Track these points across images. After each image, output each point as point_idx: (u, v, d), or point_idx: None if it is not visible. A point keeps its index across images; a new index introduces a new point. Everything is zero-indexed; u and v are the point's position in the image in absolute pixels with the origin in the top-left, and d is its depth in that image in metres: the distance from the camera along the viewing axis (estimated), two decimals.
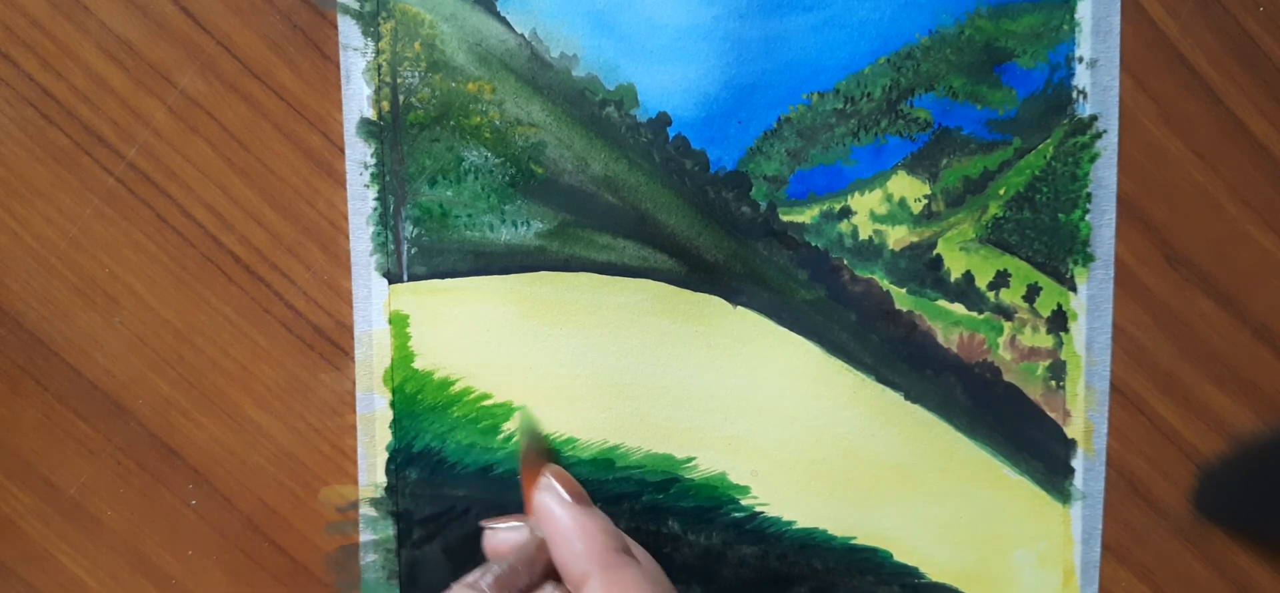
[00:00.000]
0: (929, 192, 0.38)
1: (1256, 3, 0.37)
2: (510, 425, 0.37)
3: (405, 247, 0.37)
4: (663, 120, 0.37)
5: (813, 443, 0.39)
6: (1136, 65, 0.37)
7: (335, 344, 0.37)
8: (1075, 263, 0.38)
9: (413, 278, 0.37)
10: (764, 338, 0.38)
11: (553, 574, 0.33)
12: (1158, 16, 0.37)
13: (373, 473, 0.38)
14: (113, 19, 0.35)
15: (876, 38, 0.36)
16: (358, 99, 0.36)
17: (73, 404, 0.37)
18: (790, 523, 0.39)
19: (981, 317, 0.38)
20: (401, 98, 0.36)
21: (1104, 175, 0.38)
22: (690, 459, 0.38)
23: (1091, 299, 0.38)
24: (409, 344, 0.37)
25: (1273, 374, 0.39)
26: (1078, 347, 0.38)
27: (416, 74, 0.36)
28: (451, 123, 0.36)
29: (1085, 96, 0.37)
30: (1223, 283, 0.39)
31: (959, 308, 0.38)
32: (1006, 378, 0.38)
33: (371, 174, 0.37)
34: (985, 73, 0.37)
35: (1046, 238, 0.38)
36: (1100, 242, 0.38)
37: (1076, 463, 0.39)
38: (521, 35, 0.36)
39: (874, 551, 0.39)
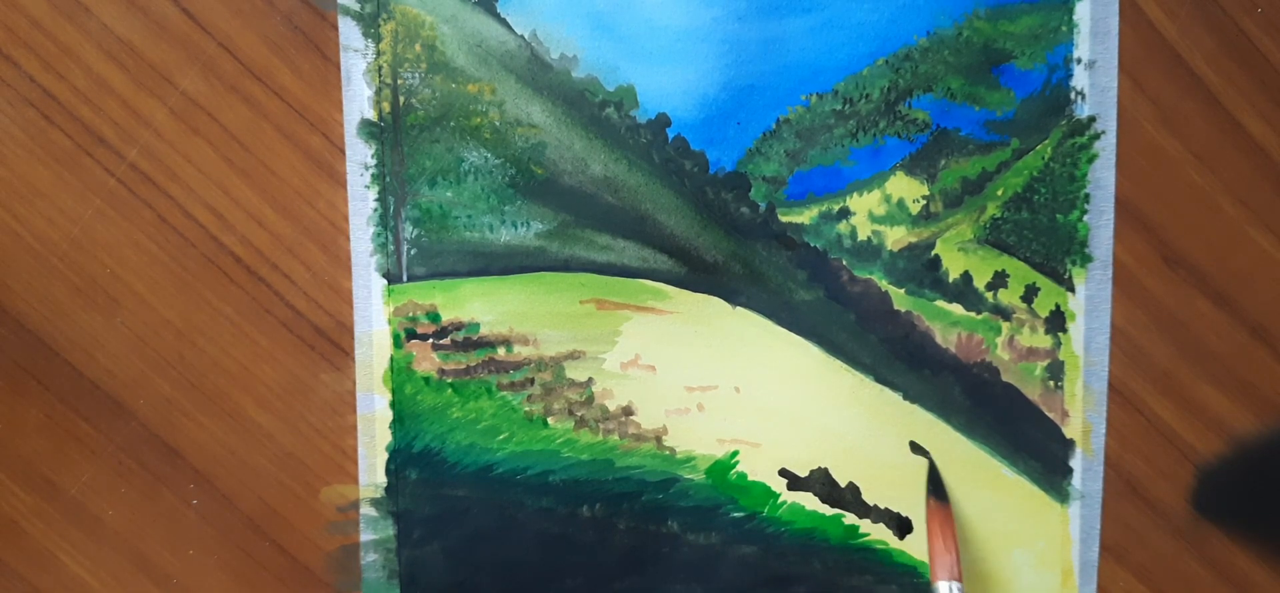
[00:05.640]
0: (927, 192, 0.38)
1: (1254, 4, 0.37)
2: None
3: (405, 247, 0.37)
4: (662, 121, 0.37)
5: (812, 443, 0.39)
6: (1134, 66, 0.37)
7: (336, 344, 0.38)
8: (1073, 263, 0.38)
9: (413, 278, 0.37)
10: (763, 338, 0.38)
11: None
12: (1156, 18, 0.37)
13: (373, 473, 0.38)
14: (114, 20, 0.36)
15: (875, 39, 0.36)
16: (358, 100, 0.36)
17: (74, 404, 0.37)
18: (790, 523, 0.39)
19: (980, 317, 0.38)
20: (402, 99, 0.36)
21: (1102, 176, 0.38)
22: (690, 459, 0.39)
23: (1089, 300, 0.38)
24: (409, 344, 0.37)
25: (1270, 374, 0.39)
26: (1076, 347, 0.38)
27: (417, 75, 0.36)
28: (452, 124, 0.36)
29: (1083, 97, 0.37)
30: (1221, 283, 0.39)
31: (957, 308, 0.38)
32: (1005, 378, 0.39)
33: (372, 175, 0.37)
34: (983, 74, 0.37)
35: (1044, 238, 0.38)
36: (1098, 242, 0.38)
37: (1075, 463, 0.39)
38: (521, 37, 0.36)
39: (874, 550, 0.39)
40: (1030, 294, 0.38)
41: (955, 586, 0.35)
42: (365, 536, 0.38)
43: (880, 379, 0.38)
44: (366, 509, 0.38)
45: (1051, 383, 0.39)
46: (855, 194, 0.38)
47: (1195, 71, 0.38)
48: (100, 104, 0.36)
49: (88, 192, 0.36)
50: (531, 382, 0.38)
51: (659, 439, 0.38)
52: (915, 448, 0.38)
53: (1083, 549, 0.39)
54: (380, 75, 0.36)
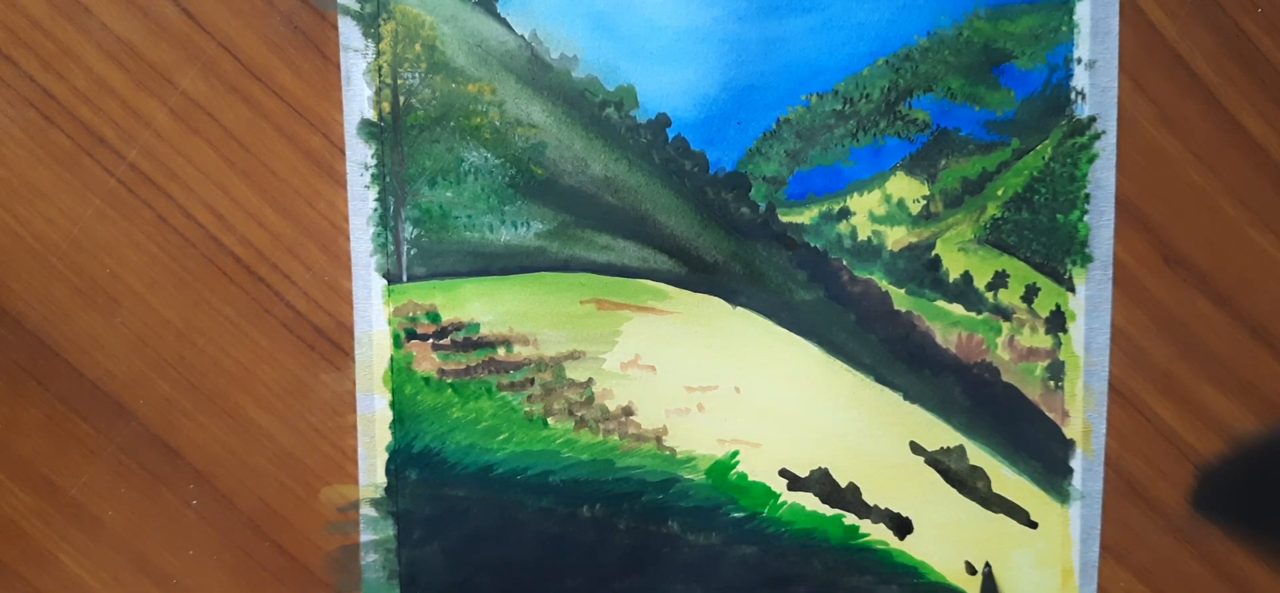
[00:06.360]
0: (927, 192, 0.38)
1: (1254, 4, 0.37)
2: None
3: (405, 247, 0.37)
4: (662, 121, 0.37)
5: (813, 443, 0.39)
6: (1135, 66, 0.37)
7: (336, 345, 0.38)
8: (1073, 263, 0.38)
9: (413, 278, 0.37)
10: (764, 338, 0.38)
11: None
12: (1156, 18, 0.37)
13: (373, 473, 0.38)
14: (114, 20, 0.36)
15: (875, 39, 0.36)
16: (358, 100, 0.36)
17: (74, 405, 0.37)
18: (790, 523, 0.39)
19: (980, 317, 0.38)
20: (402, 99, 0.36)
21: (1102, 176, 0.38)
22: (690, 459, 0.39)
23: (1090, 300, 0.38)
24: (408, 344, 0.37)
25: (1270, 374, 0.39)
26: (1076, 347, 0.38)
27: (417, 75, 0.36)
28: (452, 124, 0.36)
29: (1083, 97, 0.37)
30: (1221, 283, 0.39)
31: (958, 308, 0.38)
32: (1005, 378, 0.39)
33: (372, 175, 0.37)
34: (984, 74, 0.37)
35: (1045, 238, 0.38)
36: (1098, 242, 0.38)
37: (1075, 463, 0.39)
38: (522, 37, 0.36)
39: (874, 550, 0.39)
40: (1030, 294, 0.38)
41: None
42: (365, 536, 0.38)
43: (880, 379, 0.38)
44: (366, 509, 0.38)
45: (1052, 383, 0.39)
46: (855, 194, 0.38)
47: (1195, 71, 0.38)
48: (100, 104, 0.36)
49: (88, 192, 0.36)
50: (531, 382, 0.38)
51: (659, 439, 0.38)
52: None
53: (1083, 549, 0.39)
54: (380, 75, 0.36)
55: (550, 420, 0.38)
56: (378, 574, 0.38)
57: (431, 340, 0.38)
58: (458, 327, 0.38)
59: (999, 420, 0.39)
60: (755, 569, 0.39)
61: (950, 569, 0.39)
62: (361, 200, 0.37)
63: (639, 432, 0.38)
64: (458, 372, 0.38)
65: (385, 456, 0.38)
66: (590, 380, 0.38)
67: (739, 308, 0.38)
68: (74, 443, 0.37)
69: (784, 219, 0.38)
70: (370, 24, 0.36)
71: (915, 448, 0.39)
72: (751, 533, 0.39)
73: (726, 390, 0.38)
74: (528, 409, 0.38)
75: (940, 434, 0.39)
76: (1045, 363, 0.38)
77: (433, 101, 0.36)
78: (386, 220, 0.37)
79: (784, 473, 0.39)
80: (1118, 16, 0.37)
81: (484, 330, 0.38)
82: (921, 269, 0.38)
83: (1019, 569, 0.39)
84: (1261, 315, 0.39)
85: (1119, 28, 0.37)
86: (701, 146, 0.37)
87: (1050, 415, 0.39)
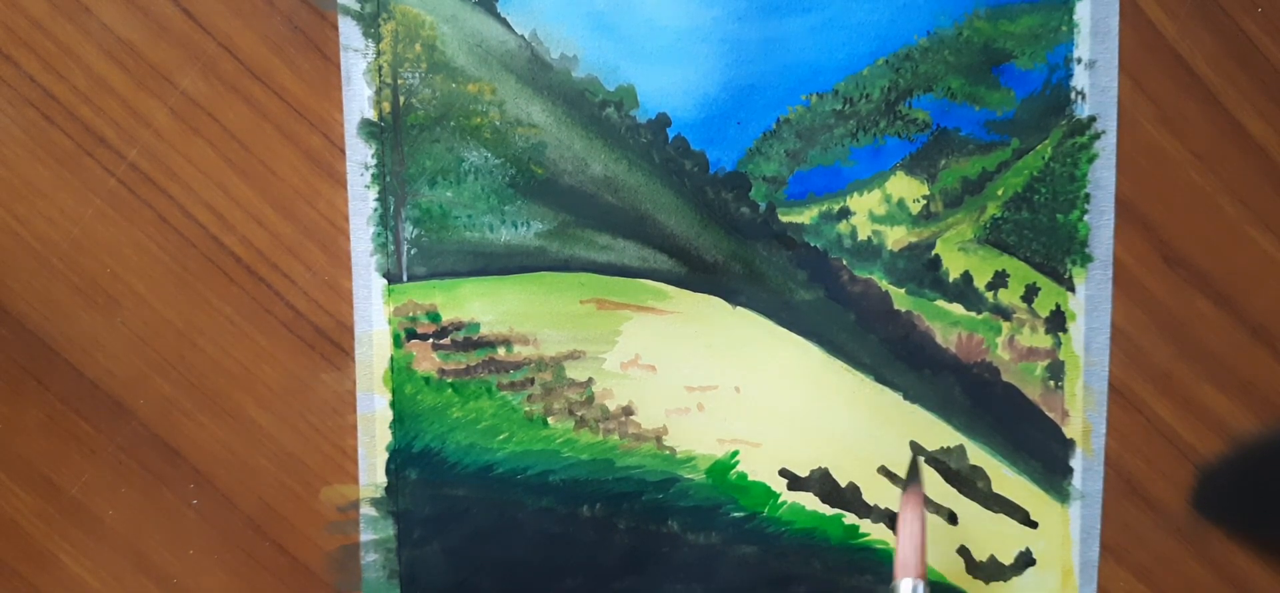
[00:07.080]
0: (927, 192, 0.38)
1: (1255, 4, 0.37)
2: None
3: (405, 247, 0.37)
4: (662, 121, 0.37)
5: (813, 443, 0.39)
6: (1135, 66, 0.37)
7: (336, 344, 0.38)
8: (1073, 263, 0.38)
9: (413, 278, 0.37)
10: (764, 338, 0.38)
11: None
12: (1156, 18, 0.37)
13: (373, 473, 0.38)
14: (114, 20, 0.36)
15: (875, 39, 0.36)
16: (358, 100, 0.36)
17: (74, 404, 0.37)
18: (790, 523, 0.39)
19: (980, 317, 0.38)
20: (402, 99, 0.36)
21: (1102, 176, 0.38)
22: (690, 459, 0.39)
23: (1090, 299, 0.38)
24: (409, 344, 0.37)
25: (1271, 374, 0.39)
26: (1076, 347, 0.38)
27: (417, 75, 0.36)
28: (452, 124, 0.36)
29: (1083, 97, 0.37)
30: (1221, 283, 0.39)
31: (957, 308, 0.38)
32: (1005, 378, 0.39)
33: (372, 175, 0.37)
34: (984, 74, 0.37)
35: (1045, 238, 0.38)
36: (1098, 242, 0.38)
37: (1075, 463, 0.39)
38: (522, 36, 0.36)
39: (874, 550, 0.39)
40: (1030, 294, 0.38)
41: (919, 584, 0.35)
42: (365, 536, 0.38)
43: (880, 379, 0.38)
44: (366, 509, 0.38)
45: (1052, 383, 0.39)
46: (855, 194, 0.38)
47: (1195, 71, 0.38)
48: (100, 104, 0.36)
49: (88, 192, 0.36)
50: (531, 382, 0.38)
51: (659, 439, 0.38)
52: (914, 450, 0.39)
53: (1083, 549, 0.39)
54: (380, 75, 0.36)
55: (550, 420, 0.38)
56: (378, 574, 0.38)
57: (431, 340, 0.38)
58: (458, 326, 0.38)
59: (999, 420, 0.39)
60: (755, 569, 0.39)
61: (950, 569, 0.39)
62: (361, 200, 0.37)
63: (639, 432, 0.38)
64: (458, 371, 0.38)
65: (385, 455, 0.38)
66: (590, 380, 0.38)
67: (739, 308, 0.38)
68: (74, 443, 0.37)
69: (784, 219, 0.38)
70: (370, 24, 0.36)
71: (915, 448, 0.39)
72: (751, 533, 0.39)
73: (726, 390, 0.38)
74: (528, 409, 0.38)
75: (940, 434, 0.39)
76: (1045, 363, 0.38)
77: (433, 101, 0.36)
78: (386, 220, 0.37)
79: (784, 473, 0.39)
80: (1118, 16, 0.37)
81: (484, 330, 0.38)
82: (921, 269, 0.38)
83: (1019, 569, 0.39)
84: (1261, 315, 0.39)
85: (1119, 28, 0.37)
86: (701, 146, 0.37)
87: (1050, 415, 0.39)
